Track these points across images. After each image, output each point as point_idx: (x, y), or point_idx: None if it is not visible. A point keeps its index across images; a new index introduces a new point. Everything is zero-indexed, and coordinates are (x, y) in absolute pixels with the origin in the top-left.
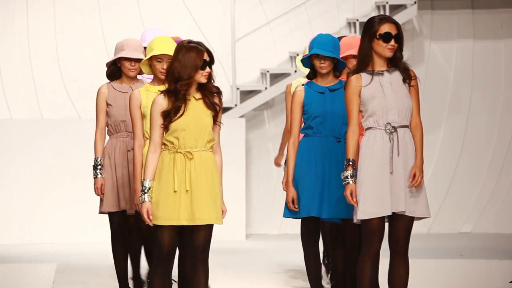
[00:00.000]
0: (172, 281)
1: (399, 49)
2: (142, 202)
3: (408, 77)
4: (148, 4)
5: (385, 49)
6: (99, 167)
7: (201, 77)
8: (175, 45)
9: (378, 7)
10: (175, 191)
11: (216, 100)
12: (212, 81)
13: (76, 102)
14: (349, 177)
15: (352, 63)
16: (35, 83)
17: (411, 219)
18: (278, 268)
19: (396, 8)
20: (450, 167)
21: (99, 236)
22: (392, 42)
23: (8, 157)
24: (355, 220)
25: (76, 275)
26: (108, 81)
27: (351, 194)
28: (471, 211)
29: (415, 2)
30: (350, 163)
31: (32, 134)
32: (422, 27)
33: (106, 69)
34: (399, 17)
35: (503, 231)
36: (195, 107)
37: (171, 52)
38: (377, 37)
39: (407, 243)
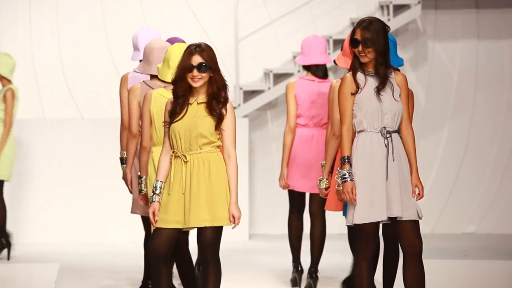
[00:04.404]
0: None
1: (379, 55)
2: (151, 202)
3: (382, 86)
4: (151, 4)
5: (356, 54)
6: None
7: (190, 80)
8: None
9: (381, 7)
10: (168, 194)
11: (222, 110)
12: (217, 88)
13: (79, 102)
14: (347, 174)
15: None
16: (38, 82)
17: (417, 220)
18: (281, 268)
19: (400, 8)
20: (453, 167)
21: (102, 236)
22: (360, 48)
23: None
24: (347, 223)
25: (78, 275)
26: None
27: (351, 191)
28: (475, 211)
29: (419, 2)
30: (347, 160)
31: (34, 134)
32: (426, 26)
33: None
34: (403, 17)
35: (507, 231)
36: (194, 111)
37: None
38: (349, 43)
39: (422, 243)
